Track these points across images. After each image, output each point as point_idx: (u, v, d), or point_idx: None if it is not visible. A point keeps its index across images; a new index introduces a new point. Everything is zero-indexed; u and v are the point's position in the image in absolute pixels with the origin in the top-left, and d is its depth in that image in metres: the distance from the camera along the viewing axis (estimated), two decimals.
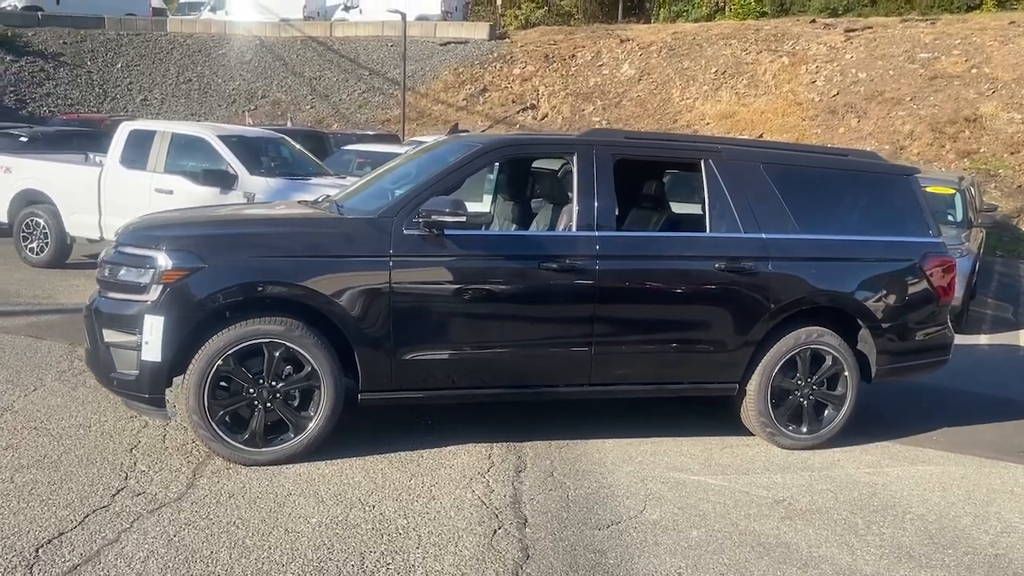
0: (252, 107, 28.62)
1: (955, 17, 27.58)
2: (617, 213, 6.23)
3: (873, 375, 5.67)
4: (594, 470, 4.91)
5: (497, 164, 6.59)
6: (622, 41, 29.12)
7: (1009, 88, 22.05)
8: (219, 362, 4.48)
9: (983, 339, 9.75)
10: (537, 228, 6.06)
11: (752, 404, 5.45)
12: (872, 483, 5.03)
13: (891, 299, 5.61)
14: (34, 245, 10.71)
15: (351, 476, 4.56)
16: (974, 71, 23.09)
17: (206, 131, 10.19)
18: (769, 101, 24.83)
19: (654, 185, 6.32)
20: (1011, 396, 7.25)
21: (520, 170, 6.64)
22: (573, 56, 29.02)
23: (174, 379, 4.65)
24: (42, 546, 3.58)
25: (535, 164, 6.79)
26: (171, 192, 9.54)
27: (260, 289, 4.54)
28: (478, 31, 31.75)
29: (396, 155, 8.01)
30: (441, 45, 30.64)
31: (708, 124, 24.69)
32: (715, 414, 5.86)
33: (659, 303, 5.28)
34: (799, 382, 5.48)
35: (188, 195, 9.23)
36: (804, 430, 5.53)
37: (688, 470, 5.03)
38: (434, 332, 4.83)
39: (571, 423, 5.67)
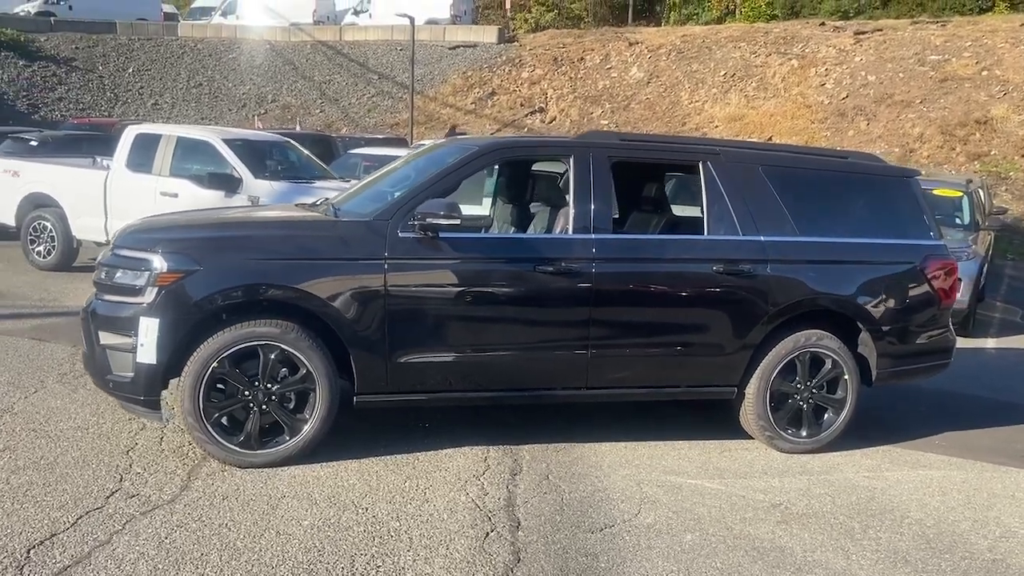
0: (262, 111, 28.75)
1: (966, 19, 27.43)
2: (617, 216, 6.25)
3: (874, 378, 5.62)
4: (590, 473, 4.90)
5: (496, 167, 6.58)
6: (631, 44, 29.11)
7: (1020, 90, 21.92)
8: (214, 364, 4.49)
9: (990, 342, 9.67)
10: (535, 231, 6.05)
11: (751, 408, 5.42)
12: (871, 487, 4.99)
13: (891, 302, 5.57)
14: (41, 248, 10.79)
15: (346, 478, 4.56)
16: (985, 73, 22.96)
17: (211, 135, 10.24)
18: (778, 104, 24.76)
19: (654, 188, 6.31)
20: (1015, 400, 7.18)
21: (519, 173, 6.63)
22: (582, 59, 29.03)
23: (170, 381, 4.67)
24: (34, 547, 3.60)
25: (535, 167, 6.78)
26: (176, 195, 9.58)
27: (255, 291, 4.54)
28: (487, 35, 31.82)
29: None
30: (450, 49, 30.72)
31: (717, 127, 24.64)
32: (714, 418, 5.84)
33: (656, 306, 5.26)
34: (798, 385, 5.45)
35: (193, 198, 9.27)
36: (804, 434, 5.50)
37: (685, 474, 5.01)
38: (430, 335, 4.82)
39: (569, 426, 5.65)
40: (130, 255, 4.66)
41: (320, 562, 3.65)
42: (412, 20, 26.31)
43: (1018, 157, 20.34)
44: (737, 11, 37.87)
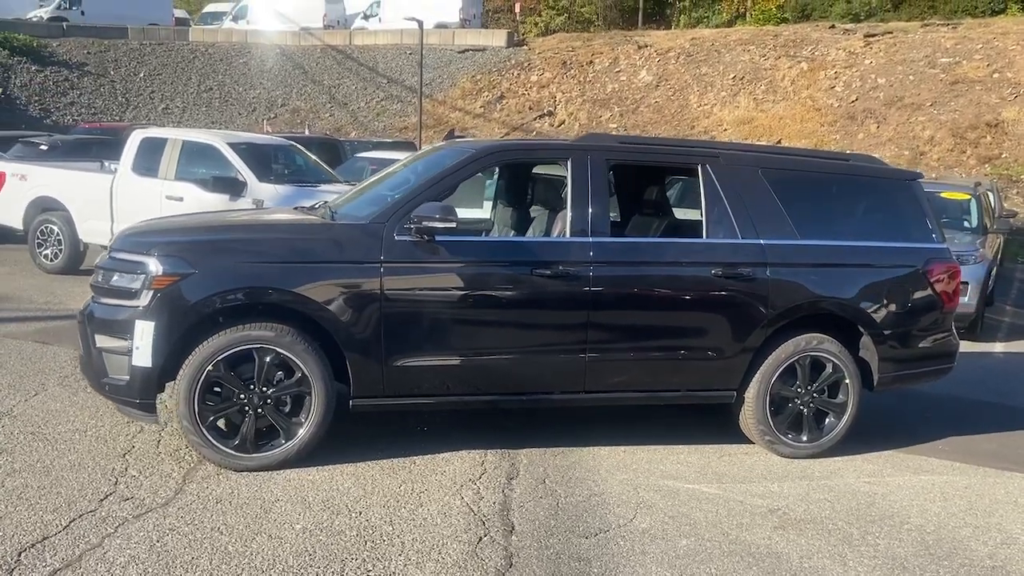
0: (272, 115, 28.88)
1: (977, 21, 27.27)
2: (618, 219, 6.23)
3: (875, 383, 5.57)
4: (587, 478, 4.87)
5: (496, 170, 6.56)
6: (640, 47, 29.09)
7: None
8: (209, 367, 4.49)
9: (998, 347, 9.59)
10: (533, 234, 6.02)
11: (751, 412, 5.37)
12: (871, 493, 4.94)
13: (893, 306, 5.52)
14: (48, 252, 10.85)
15: (340, 482, 4.54)
16: (996, 76, 22.81)
17: (216, 138, 10.27)
18: (787, 107, 24.67)
19: (655, 191, 6.27)
20: (1020, 405, 7.11)
21: (519, 176, 6.61)
22: (591, 62, 29.02)
23: (166, 384, 4.67)
24: (25, 550, 3.60)
25: (535, 170, 6.76)
26: (181, 199, 9.62)
27: (250, 295, 4.54)
28: (496, 38, 31.88)
29: None
30: (459, 52, 30.78)
31: (726, 130, 24.58)
32: (714, 422, 5.80)
33: (655, 309, 5.22)
34: (799, 390, 5.40)
35: (198, 202, 9.31)
36: (804, 438, 5.45)
37: (683, 478, 4.97)
38: (426, 339, 4.80)
39: (567, 430, 5.62)
40: (126, 258, 4.67)
41: (311, 566, 3.63)
42: (421, 24, 26.37)
43: None
44: (747, 14, 37.81)
